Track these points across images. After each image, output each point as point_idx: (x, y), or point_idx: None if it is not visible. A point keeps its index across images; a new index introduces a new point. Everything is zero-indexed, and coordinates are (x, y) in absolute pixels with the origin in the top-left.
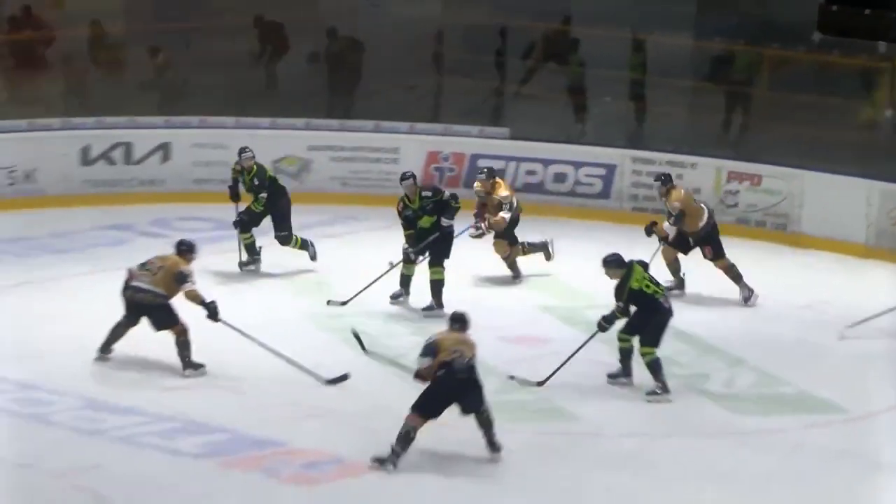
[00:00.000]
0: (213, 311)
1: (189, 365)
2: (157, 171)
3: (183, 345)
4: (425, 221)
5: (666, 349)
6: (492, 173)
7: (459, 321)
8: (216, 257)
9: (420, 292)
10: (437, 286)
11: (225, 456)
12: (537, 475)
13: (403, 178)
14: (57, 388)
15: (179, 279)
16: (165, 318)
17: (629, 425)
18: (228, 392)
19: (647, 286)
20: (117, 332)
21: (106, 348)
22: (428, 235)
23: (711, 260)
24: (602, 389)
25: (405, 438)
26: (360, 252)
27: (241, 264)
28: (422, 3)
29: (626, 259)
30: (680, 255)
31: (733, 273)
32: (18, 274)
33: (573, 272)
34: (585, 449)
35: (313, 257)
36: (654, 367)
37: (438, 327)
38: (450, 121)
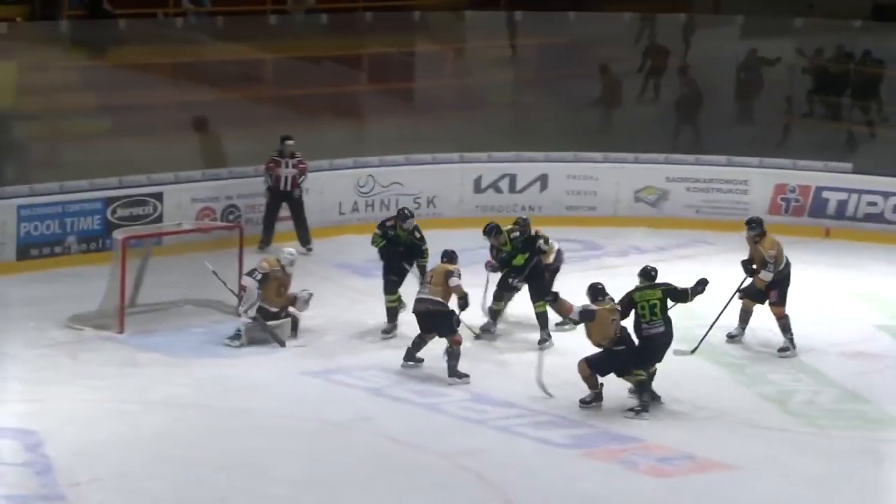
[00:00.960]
0: (465, 303)
1: (454, 374)
2: (536, 198)
3: (453, 354)
4: (519, 260)
5: None
6: (759, 225)
7: (596, 292)
8: (581, 274)
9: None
10: (542, 318)
11: (588, 448)
12: (871, 479)
13: (487, 231)
14: (449, 383)
15: (447, 276)
16: (448, 327)
17: None
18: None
19: (643, 307)
20: (419, 344)
21: (410, 357)
22: (524, 270)
23: (772, 304)
24: None
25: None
26: (711, 272)
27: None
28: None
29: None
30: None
31: (783, 322)
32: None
33: None
34: None
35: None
36: (639, 387)
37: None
38: (797, 156)
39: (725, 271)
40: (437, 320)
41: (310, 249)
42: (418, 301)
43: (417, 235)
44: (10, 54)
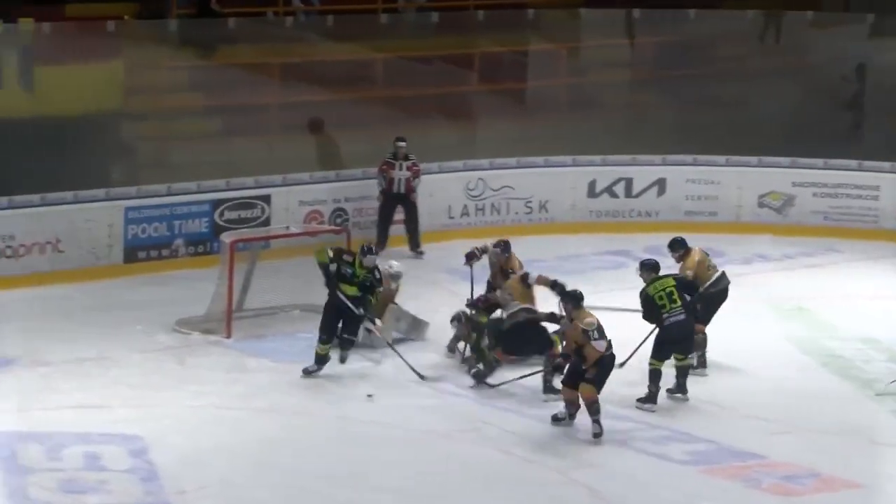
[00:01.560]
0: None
1: (550, 389)
2: (653, 203)
3: (556, 367)
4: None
5: None
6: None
7: (581, 298)
8: None
9: None
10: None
11: (708, 465)
12: None
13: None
14: (543, 399)
15: (524, 280)
16: (546, 339)
17: None
18: (710, 406)
19: (661, 297)
20: (493, 366)
21: (482, 378)
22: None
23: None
24: None
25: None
26: (840, 281)
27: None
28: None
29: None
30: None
31: (699, 339)
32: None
33: None
34: None
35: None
36: (651, 375)
37: None
38: None
39: (855, 281)
40: (535, 330)
41: (421, 253)
42: (514, 312)
43: (377, 276)
44: (118, 53)
